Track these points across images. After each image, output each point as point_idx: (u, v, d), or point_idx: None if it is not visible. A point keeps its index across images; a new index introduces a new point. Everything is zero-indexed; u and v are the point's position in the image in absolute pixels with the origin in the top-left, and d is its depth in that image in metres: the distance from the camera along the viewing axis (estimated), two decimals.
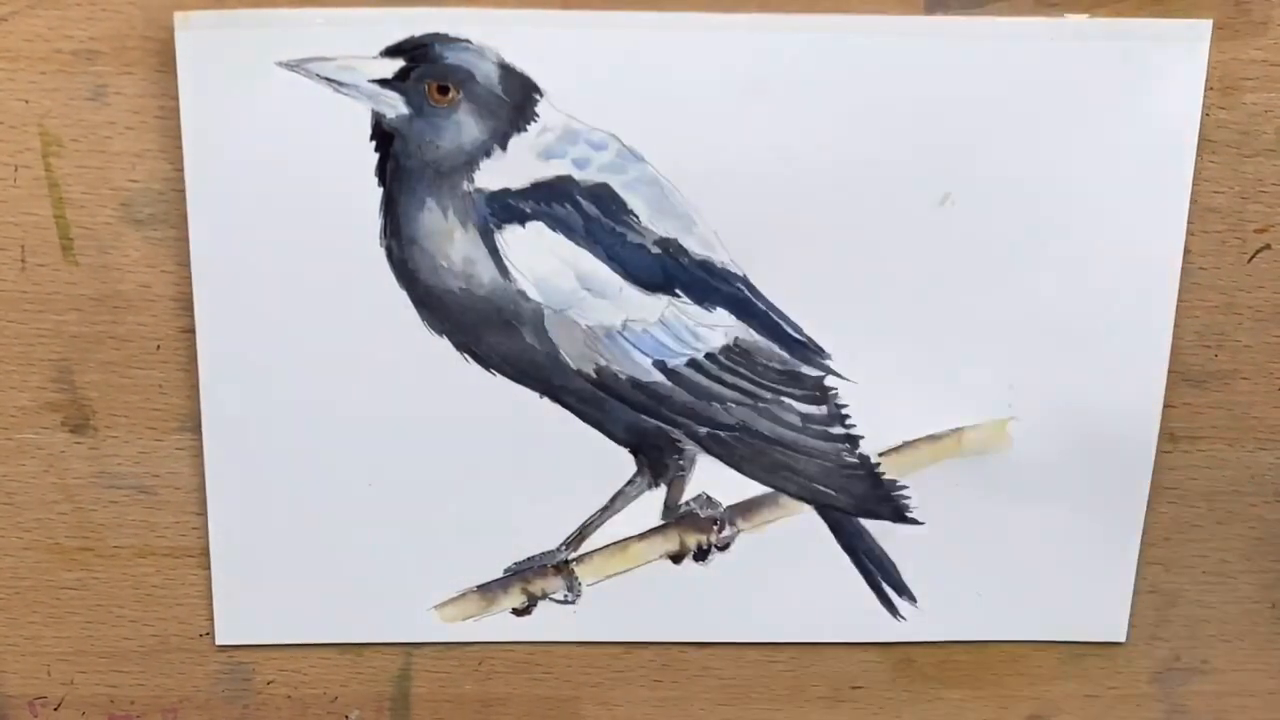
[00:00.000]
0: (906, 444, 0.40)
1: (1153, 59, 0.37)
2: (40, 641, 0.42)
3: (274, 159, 0.37)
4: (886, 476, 0.41)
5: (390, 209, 0.38)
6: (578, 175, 0.38)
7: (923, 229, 0.38)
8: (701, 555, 0.42)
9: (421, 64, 0.36)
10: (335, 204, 0.37)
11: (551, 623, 0.42)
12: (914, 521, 0.41)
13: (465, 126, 0.37)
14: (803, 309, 0.39)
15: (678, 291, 0.38)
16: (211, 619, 0.41)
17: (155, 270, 0.38)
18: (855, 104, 0.37)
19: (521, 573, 0.42)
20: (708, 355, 0.38)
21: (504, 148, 0.37)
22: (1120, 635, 0.43)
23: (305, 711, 0.43)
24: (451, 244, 0.38)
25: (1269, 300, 0.40)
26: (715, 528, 0.41)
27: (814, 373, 0.39)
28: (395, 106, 0.37)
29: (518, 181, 0.38)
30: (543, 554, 0.41)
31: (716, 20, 0.36)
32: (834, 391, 0.40)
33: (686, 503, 0.41)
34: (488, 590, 0.42)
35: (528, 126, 0.37)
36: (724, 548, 0.42)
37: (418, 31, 0.36)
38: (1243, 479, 0.42)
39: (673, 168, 0.38)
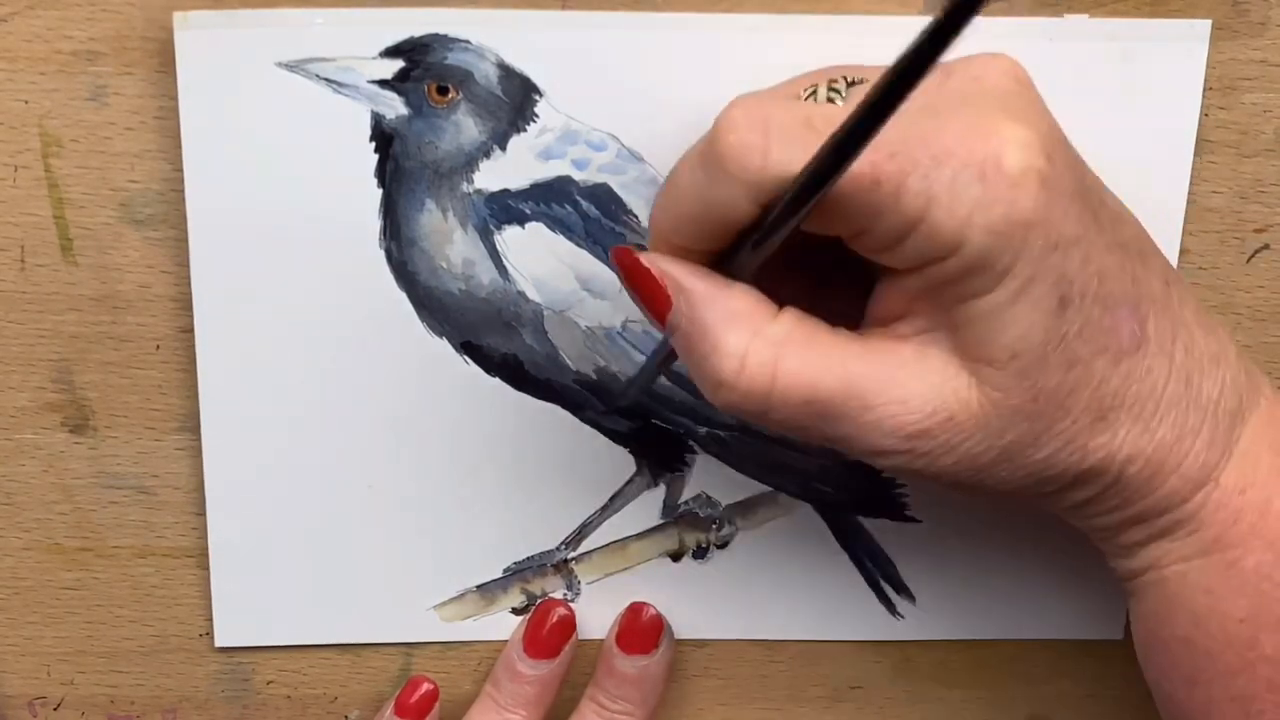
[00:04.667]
0: None
1: (1152, 59, 0.37)
2: (40, 641, 0.42)
3: (274, 159, 0.37)
4: (885, 474, 0.41)
5: (390, 210, 0.38)
6: (577, 176, 0.38)
7: None
8: (701, 553, 0.42)
9: (421, 64, 0.36)
10: (335, 205, 0.37)
11: None
12: (912, 519, 0.41)
13: (465, 127, 0.37)
14: None
15: None
16: (211, 619, 0.41)
17: (155, 270, 0.38)
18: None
19: (521, 572, 0.42)
20: None
21: (503, 148, 0.37)
22: (1119, 633, 0.43)
23: (305, 711, 0.43)
24: (451, 245, 0.38)
25: (1268, 300, 0.40)
26: (714, 526, 0.41)
27: None
28: (395, 107, 0.37)
29: (517, 182, 0.38)
30: (542, 553, 0.41)
31: (716, 20, 0.36)
32: None
33: (685, 502, 0.41)
34: (487, 590, 0.42)
35: (527, 127, 0.37)
36: (723, 546, 0.42)
37: (418, 31, 0.36)
38: None
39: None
